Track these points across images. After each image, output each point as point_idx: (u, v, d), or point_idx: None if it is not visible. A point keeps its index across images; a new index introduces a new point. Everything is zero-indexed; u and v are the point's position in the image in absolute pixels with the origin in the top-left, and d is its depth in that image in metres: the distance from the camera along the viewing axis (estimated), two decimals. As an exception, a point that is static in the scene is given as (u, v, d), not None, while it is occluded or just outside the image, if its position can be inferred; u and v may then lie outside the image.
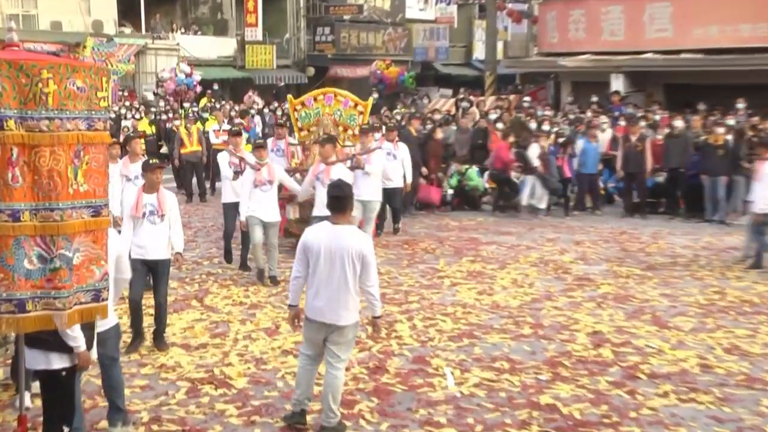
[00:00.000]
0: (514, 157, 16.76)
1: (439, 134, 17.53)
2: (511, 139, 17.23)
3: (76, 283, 4.74)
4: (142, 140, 21.40)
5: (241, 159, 11.26)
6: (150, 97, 31.49)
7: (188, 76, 28.89)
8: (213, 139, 19.58)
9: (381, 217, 13.74)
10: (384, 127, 15.23)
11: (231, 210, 11.64)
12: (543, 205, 16.53)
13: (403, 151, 14.10)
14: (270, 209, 10.85)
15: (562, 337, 8.94)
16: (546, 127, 18.57)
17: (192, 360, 8.21)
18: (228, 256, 12.05)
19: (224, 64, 37.07)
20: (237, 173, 11.32)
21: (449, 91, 34.49)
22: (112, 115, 23.15)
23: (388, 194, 13.55)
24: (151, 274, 8.54)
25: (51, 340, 5.29)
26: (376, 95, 27.14)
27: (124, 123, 23.72)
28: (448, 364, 8.10)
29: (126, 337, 8.19)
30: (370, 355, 8.34)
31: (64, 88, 4.61)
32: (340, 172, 10.59)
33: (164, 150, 22.83)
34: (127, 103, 27.46)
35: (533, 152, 16.35)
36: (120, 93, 28.42)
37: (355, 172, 11.60)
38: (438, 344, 8.69)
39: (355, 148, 12.55)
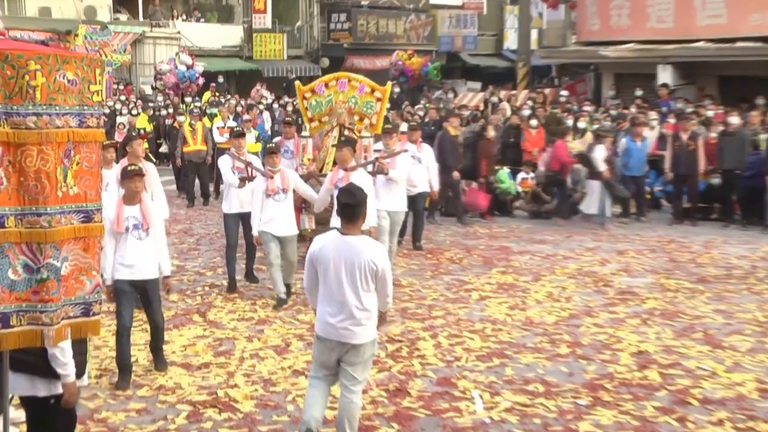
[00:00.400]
0: (578, 159, 16.56)
1: (491, 132, 17.41)
2: (569, 138, 17.09)
3: (64, 296, 4.74)
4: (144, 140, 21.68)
5: (248, 164, 11.04)
6: (148, 91, 31.70)
7: (189, 68, 29.05)
8: (217, 137, 19.69)
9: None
10: (405, 126, 15.22)
11: (234, 222, 11.41)
12: (608, 214, 16.42)
13: (427, 153, 13.97)
14: (286, 222, 10.56)
15: (604, 358, 8.89)
16: (581, 124, 18.52)
17: (193, 381, 8.22)
18: (231, 286, 11.50)
19: (229, 55, 37.30)
20: (244, 180, 11.03)
21: (478, 85, 34.54)
22: (106, 111, 23.36)
23: (411, 202, 13.31)
24: (140, 295, 8.22)
25: (39, 364, 5.16)
26: (396, 90, 27.20)
27: (119, 119, 23.90)
28: (476, 386, 8.07)
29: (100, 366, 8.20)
30: (390, 375, 8.33)
31: (53, 81, 4.62)
32: (361, 178, 10.31)
33: (164, 149, 23.02)
34: (123, 98, 27.68)
35: (599, 154, 16.04)
36: (115, 86, 28.61)
37: (377, 178, 11.43)
38: (465, 364, 8.66)
39: (373, 141, 12.45)
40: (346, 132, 12.60)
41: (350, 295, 6.23)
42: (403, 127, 15.50)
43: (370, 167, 11.28)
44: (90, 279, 4.84)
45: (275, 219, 10.47)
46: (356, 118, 12.73)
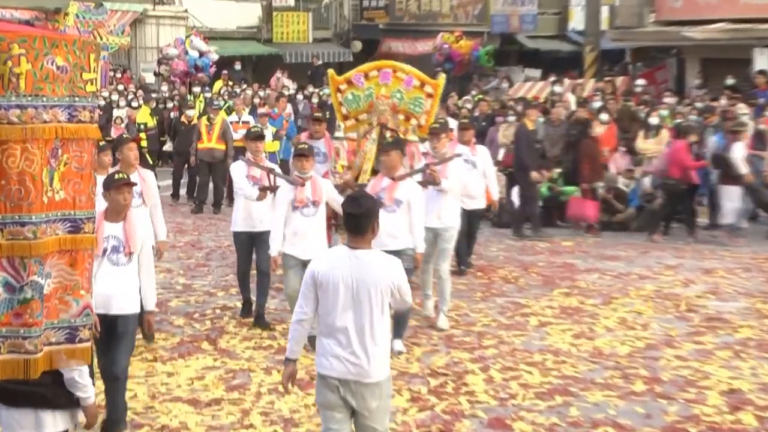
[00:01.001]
0: (711, 161, 16.34)
1: (598, 129, 17.31)
2: (693, 137, 16.77)
3: (45, 318, 4.75)
4: (143, 134, 21.87)
5: (269, 171, 10.75)
6: (149, 79, 31.94)
7: (203, 55, 29.24)
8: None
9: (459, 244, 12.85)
10: (454, 123, 15.03)
11: (245, 243, 11.13)
12: (745, 224, 16.31)
13: (483, 156, 13.44)
14: (315, 242, 9.91)
15: (688, 397, 8.81)
16: (654, 120, 18.40)
17: (202, 420, 8.24)
18: (246, 309, 11.41)
19: (245, 37, 37.50)
20: (265, 190, 10.64)
21: (537, 72, 34.37)
22: (101, 103, 23.55)
23: (468, 218, 12.83)
24: (105, 332, 7.60)
25: (45, 394, 5.17)
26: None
27: (116, 112, 24.10)
28: (534, 429, 8.01)
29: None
30: (433, 415, 8.29)
31: (40, 68, 4.65)
32: (412, 190, 10.02)
33: (169, 147, 23.16)
34: (121, 87, 27.90)
35: (738, 153, 15.82)
36: (111, 74, 28.87)
37: (428, 189, 10.92)
38: (522, 403, 8.62)
39: (421, 146, 12.20)
40: (388, 134, 12.11)
41: (364, 322, 6.18)
42: (452, 124, 15.19)
43: (419, 176, 10.80)
44: (77, 299, 4.84)
45: (302, 238, 9.95)
46: (401, 117, 12.29)
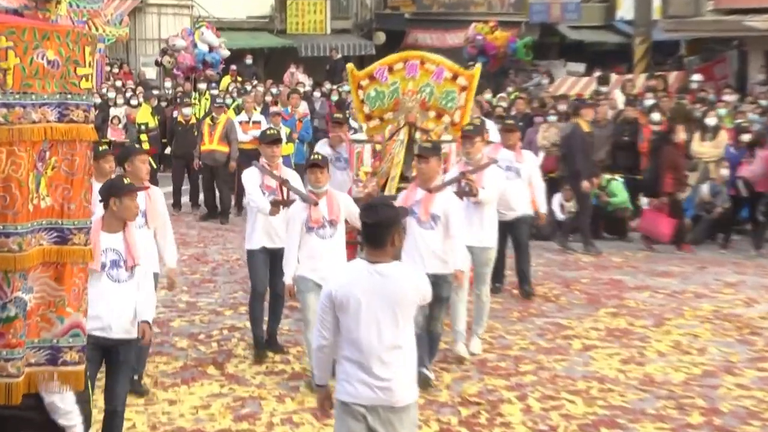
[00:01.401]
0: None
1: (682, 134, 17.20)
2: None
3: (26, 337, 4.76)
4: (144, 136, 21.93)
5: (283, 182, 10.40)
6: (150, 74, 32.06)
7: (213, 49, 29.26)
8: (239, 136, 19.81)
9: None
10: (491, 124, 14.87)
11: (261, 263, 10.81)
12: None
13: (529, 162, 13.23)
14: (333, 265, 9.45)
15: (750, 430, 8.77)
16: (711, 120, 18.31)
17: (206, 453, 8.26)
18: (258, 347, 10.93)
19: (256, 28, 37.59)
20: (277, 204, 10.32)
21: (581, 67, 34.30)
22: (97, 101, 23.66)
23: (509, 229, 12.75)
24: (105, 359, 7.78)
25: (34, 419, 5.19)
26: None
27: (113, 111, 24.23)
28: (578, 466, 8.00)
29: None
30: (464, 450, 8.29)
31: (29, 63, 4.67)
32: (448, 202, 9.78)
33: (169, 150, 23.20)
34: (119, 84, 28.02)
35: None
36: (108, 69, 29.00)
37: (467, 201, 10.68)
38: (563, 436, 8.59)
39: (454, 148, 11.82)
40: (417, 134, 11.86)
41: (390, 341, 6.21)
42: (489, 125, 14.90)
43: (454, 186, 10.46)
44: (61, 317, 4.83)
45: (318, 261, 9.65)
46: (431, 114, 12.09)
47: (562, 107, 19.95)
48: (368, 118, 12.57)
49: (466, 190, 10.58)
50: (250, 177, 10.64)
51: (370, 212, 6.31)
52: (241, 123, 20.03)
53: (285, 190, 10.36)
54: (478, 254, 10.91)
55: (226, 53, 29.13)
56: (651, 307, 12.96)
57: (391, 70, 12.40)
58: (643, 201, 17.59)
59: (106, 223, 7.68)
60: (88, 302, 6.47)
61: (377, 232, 6.23)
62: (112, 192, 7.66)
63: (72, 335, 4.88)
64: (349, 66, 13.05)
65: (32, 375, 4.82)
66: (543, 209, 13.49)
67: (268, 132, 11.22)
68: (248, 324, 11.51)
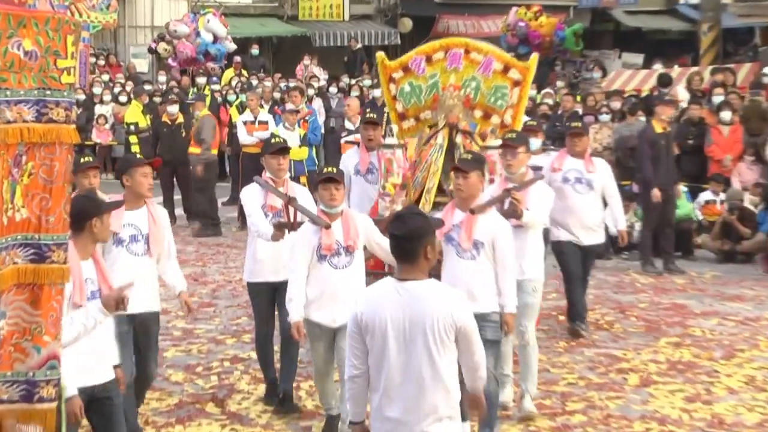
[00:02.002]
0: None
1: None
2: None
3: (-2, 368, 4.80)
4: (133, 137, 22.03)
5: (289, 200, 10.00)
6: (141, 67, 32.14)
7: (218, 40, 29.35)
8: (243, 138, 19.87)
9: None
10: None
11: (265, 298, 10.51)
12: None
13: (603, 173, 12.87)
14: (349, 302, 8.26)
15: (836, 480, 8.72)
16: None
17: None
18: (270, 392, 10.69)
19: (264, 14, 37.71)
20: (282, 227, 9.94)
21: (639, 58, 34.24)
22: (80, 98, 23.76)
23: (583, 257, 12.65)
24: (91, 409, 7.53)
25: None
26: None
27: (99, 109, 24.35)
28: None
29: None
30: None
31: (3, 54, 4.70)
32: (494, 226, 9.19)
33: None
34: (105, 78, 28.13)
35: None
36: (93, 61, 29.11)
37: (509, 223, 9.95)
38: (618, 486, 8.58)
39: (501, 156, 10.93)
40: (458, 138, 11.32)
41: (423, 370, 6.18)
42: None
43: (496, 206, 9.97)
44: (37, 347, 4.85)
45: (331, 299, 9.19)
46: (478, 114, 11.61)
47: (616, 105, 19.89)
48: (401, 117, 12.13)
49: (511, 211, 10.07)
50: (251, 195, 10.32)
51: (399, 223, 6.32)
52: (246, 124, 20.06)
53: (292, 210, 9.94)
54: (524, 284, 10.23)
55: (233, 47, 29.21)
56: (720, 337, 12.91)
57: (429, 60, 11.93)
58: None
59: (80, 249, 7.39)
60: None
61: (407, 245, 6.23)
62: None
63: (49, 367, 4.88)
64: (380, 55, 12.59)
65: (3, 414, 4.82)
66: (622, 226, 13.33)
67: (273, 140, 10.87)
68: (253, 354, 11.53)
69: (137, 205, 8.63)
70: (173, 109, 21.04)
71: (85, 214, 7.37)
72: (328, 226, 9.16)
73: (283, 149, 10.41)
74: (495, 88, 11.68)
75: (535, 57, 12.21)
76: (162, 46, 29.39)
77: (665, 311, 14.15)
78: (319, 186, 9.32)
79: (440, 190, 10.91)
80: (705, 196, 17.90)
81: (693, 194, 17.86)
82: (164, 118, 21.12)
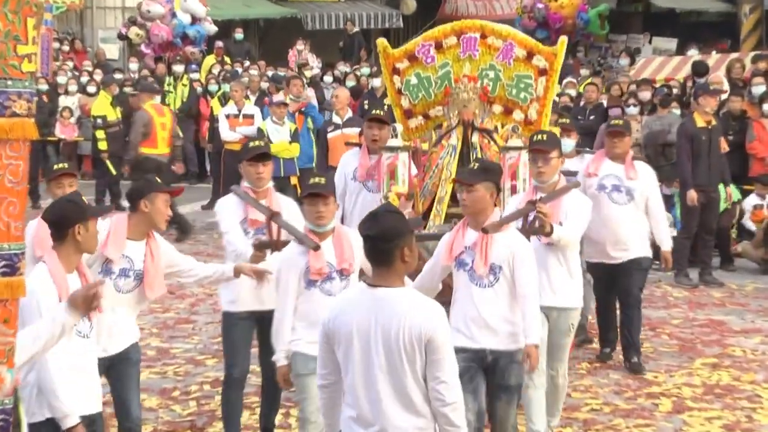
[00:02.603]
0: None
1: None
2: None
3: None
4: (101, 132, 22.09)
5: (272, 215, 9.57)
6: (111, 53, 32.13)
7: (197, 21, 29.34)
8: (226, 134, 19.93)
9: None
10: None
11: (242, 333, 10.02)
12: None
13: (646, 179, 12.32)
14: None
15: None
16: None
17: None
18: None
19: (251, -6, 37.68)
20: (263, 247, 9.45)
21: (671, 43, 34.21)
22: (43, 88, 23.80)
23: (618, 275, 12.26)
24: None
25: None
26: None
27: (64, 101, 24.35)
28: None
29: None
30: None
31: (-46, 39, 4.75)
32: (514, 246, 8.71)
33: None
34: (70, 65, 28.15)
35: None
36: (57, 46, 29.12)
37: (536, 243, 9.72)
38: None
39: (525, 157, 10.53)
40: (475, 137, 11.04)
41: (389, 389, 6.22)
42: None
43: (518, 222, 9.57)
44: (11, 371, 4.92)
45: None
46: (497, 109, 11.24)
47: (645, 95, 19.90)
48: (408, 114, 11.76)
49: (537, 227, 9.58)
50: (228, 208, 9.87)
51: (371, 222, 6.31)
52: (229, 117, 20.09)
53: (275, 226, 9.50)
54: (555, 319, 9.92)
55: (213, 29, 29.20)
56: (763, 357, 12.93)
57: (439, 46, 11.49)
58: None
59: (64, 260, 7.40)
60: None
61: (380, 246, 6.24)
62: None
63: (14, 397, 4.93)
64: (381, 42, 12.06)
65: None
66: (666, 246, 12.55)
67: (251, 144, 10.27)
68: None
69: (141, 236, 8.50)
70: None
71: (68, 220, 7.35)
72: (317, 248, 8.71)
73: (263, 156, 9.89)
74: (517, 79, 11.26)
75: (563, 41, 11.60)
76: (134, 31, 29.32)
77: (701, 328, 14.17)
78: (304, 201, 8.90)
79: (454, 200, 10.42)
80: (750, 199, 17.86)
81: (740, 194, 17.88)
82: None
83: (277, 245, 9.30)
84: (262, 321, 9.63)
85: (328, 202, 8.78)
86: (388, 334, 6.12)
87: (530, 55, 11.24)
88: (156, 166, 19.97)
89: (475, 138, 11.03)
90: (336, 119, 18.76)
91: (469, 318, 8.63)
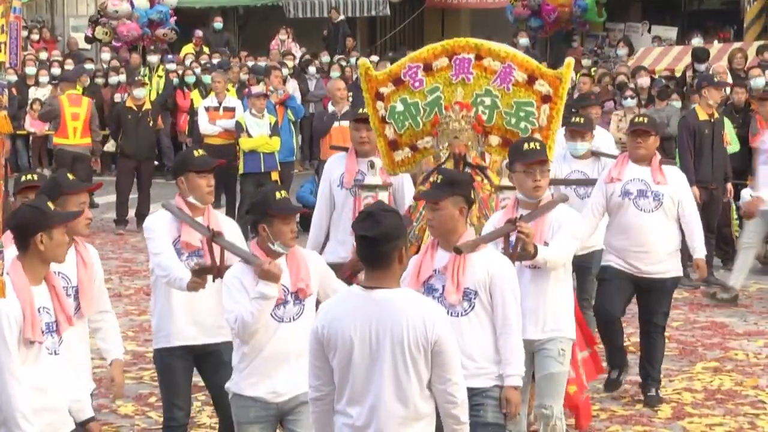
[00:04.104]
0: None
1: None
2: None
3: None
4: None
5: (210, 237, 8.82)
6: (83, 43, 32.09)
7: (154, 3, 29.33)
8: (205, 127, 19.90)
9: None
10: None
11: (180, 371, 9.42)
12: None
13: (677, 184, 11.74)
14: (300, 367, 7.77)
15: None
16: None
17: None
18: None
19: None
20: (203, 272, 8.75)
21: (672, 32, 34.22)
22: (12, 79, 23.71)
23: (647, 291, 11.82)
24: None
25: None
26: (523, 41, 27.00)
27: (33, 93, 24.31)
28: None
29: None
30: None
31: None
32: (491, 269, 8.13)
33: (111, 146, 23.32)
34: (42, 55, 28.10)
35: None
36: (26, 35, 29.06)
37: (519, 267, 9.04)
38: None
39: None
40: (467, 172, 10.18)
41: (391, 393, 6.24)
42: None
43: (498, 244, 9.00)
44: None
45: (274, 361, 8.15)
46: (494, 140, 10.62)
47: (644, 82, 19.85)
48: (393, 146, 10.93)
49: (521, 251, 8.95)
50: (158, 227, 9.14)
51: (370, 222, 6.25)
52: (209, 110, 20.04)
53: (218, 249, 8.77)
54: (544, 350, 9.30)
55: (173, 1, 29.15)
56: (767, 361, 12.98)
57: (428, 69, 10.72)
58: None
59: (29, 272, 7.10)
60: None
61: (379, 248, 6.22)
62: (37, 224, 7.09)
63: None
64: (363, 62, 11.30)
65: None
66: (700, 254, 11.88)
67: (195, 153, 9.55)
68: (209, 420, 11.07)
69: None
70: (140, 92, 21.01)
71: (28, 228, 7.05)
72: (274, 273, 7.97)
73: (206, 163, 9.24)
74: (517, 106, 10.58)
75: (570, 63, 10.94)
76: (100, 31, 29.38)
77: (702, 331, 14.22)
78: (275, 219, 8.15)
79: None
80: (746, 193, 17.82)
81: (738, 192, 17.83)
82: (129, 103, 21.09)
83: (219, 270, 8.61)
84: (201, 356, 9.24)
85: (291, 221, 8.21)
86: (392, 337, 6.15)
87: (532, 80, 10.53)
88: (71, 158, 20.09)
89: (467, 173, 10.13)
90: (332, 109, 18.72)
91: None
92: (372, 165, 10.94)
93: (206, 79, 24.83)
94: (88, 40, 30.79)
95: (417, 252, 9.14)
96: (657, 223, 11.51)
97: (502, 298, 7.96)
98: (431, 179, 8.55)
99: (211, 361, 9.06)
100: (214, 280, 8.64)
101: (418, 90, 10.65)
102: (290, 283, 8.10)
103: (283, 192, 8.31)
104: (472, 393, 7.43)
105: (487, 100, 10.49)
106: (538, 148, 9.36)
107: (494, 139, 10.54)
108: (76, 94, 21.33)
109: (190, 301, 8.94)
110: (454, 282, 7.95)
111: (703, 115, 16.54)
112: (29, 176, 8.92)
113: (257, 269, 7.91)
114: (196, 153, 9.39)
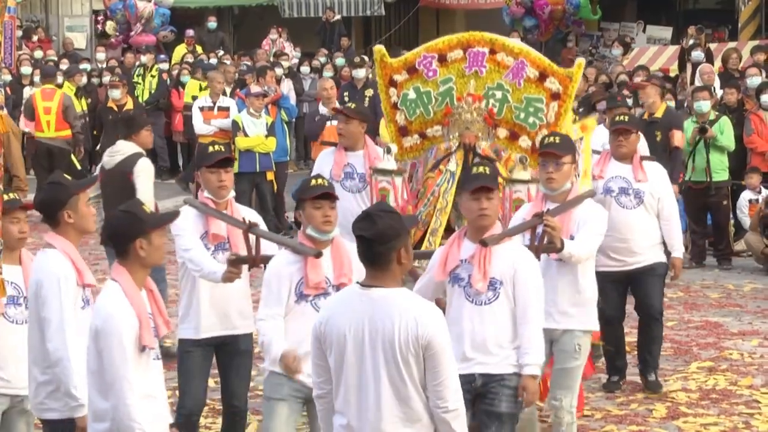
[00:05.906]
0: None
1: None
2: None
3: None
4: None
5: (248, 228, 9.10)
6: (79, 43, 32.04)
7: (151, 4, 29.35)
8: (199, 126, 19.89)
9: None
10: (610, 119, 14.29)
11: (199, 362, 9.61)
12: None
13: (657, 181, 11.97)
14: None
15: None
16: None
17: None
18: None
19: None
20: (239, 263, 9.00)
21: (666, 31, 34.21)
22: (7, 78, 23.77)
23: (631, 285, 12.04)
24: None
25: None
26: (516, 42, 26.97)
27: (28, 93, 24.25)
28: None
29: None
30: None
31: None
32: (517, 261, 8.33)
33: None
34: (37, 55, 28.08)
35: None
36: (20, 35, 29.03)
37: (546, 259, 9.41)
38: None
39: (534, 191, 10.26)
40: (475, 162, 10.26)
41: (384, 395, 6.24)
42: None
43: (520, 237, 9.20)
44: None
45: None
46: (502, 133, 10.85)
47: (640, 80, 19.89)
48: (403, 132, 11.18)
49: (546, 244, 9.15)
50: (185, 224, 9.15)
51: (366, 223, 6.27)
52: (203, 110, 20.01)
53: (252, 240, 9.01)
54: (563, 342, 9.54)
55: (169, 1, 29.15)
56: (761, 361, 12.96)
57: (443, 59, 10.98)
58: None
59: (133, 278, 7.13)
60: None
61: (376, 248, 6.23)
62: (139, 228, 7.10)
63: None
64: (378, 50, 11.46)
65: None
66: (678, 252, 12.16)
67: (209, 149, 9.69)
68: (212, 381, 10.86)
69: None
70: (116, 93, 20.99)
71: (126, 235, 7.08)
72: (318, 255, 8.22)
73: (225, 160, 9.41)
74: (527, 101, 10.81)
75: (580, 63, 11.20)
76: (110, 26, 29.40)
77: (697, 331, 14.22)
78: (306, 204, 8.33)
79: (449, 231, 10.13)
80: (746, 195, 17.81)
81: (734, 193, 17.86)
82: (109, 104, 21.10)
83: (255, 261, 8.91)
84: (223, 349, 9.50)
85: (334, 206, 8.34)
86: (383, 335, 6.15)
87: (543, 77, 10.79)
88: (46, 151, 20.16)
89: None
90: (323, 110, 18.71)
91: (462, 339, 8.14)
92: (389, 150, 11.03)
93: (185, 79, 24.99)
94: (99, 34, 30.79)
95: (423, 237, 10.32)
96: (639, 219, 11.78)
97: (524, 291, 8.17)
98: (474, 170, 8.62)
99: (228, 350, 9.37)
100: (249, 269, 9.05)
101: (431, 79, 10.96)
102: (333, 276, 8.29)
103: (320, 180, 8.47)
104: (491, 380, 7.93)
105: (498, 94, 10.80)
106: (556, 142, 9.60)
107: (502, 132, 10.86)
108: (50, 88, 21.51)
109: (213, 295, 9.21)
110: (481, 270, 8.15)
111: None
112: (12, 196, 8.58)
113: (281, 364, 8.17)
114: (210, 148, 9.59)
